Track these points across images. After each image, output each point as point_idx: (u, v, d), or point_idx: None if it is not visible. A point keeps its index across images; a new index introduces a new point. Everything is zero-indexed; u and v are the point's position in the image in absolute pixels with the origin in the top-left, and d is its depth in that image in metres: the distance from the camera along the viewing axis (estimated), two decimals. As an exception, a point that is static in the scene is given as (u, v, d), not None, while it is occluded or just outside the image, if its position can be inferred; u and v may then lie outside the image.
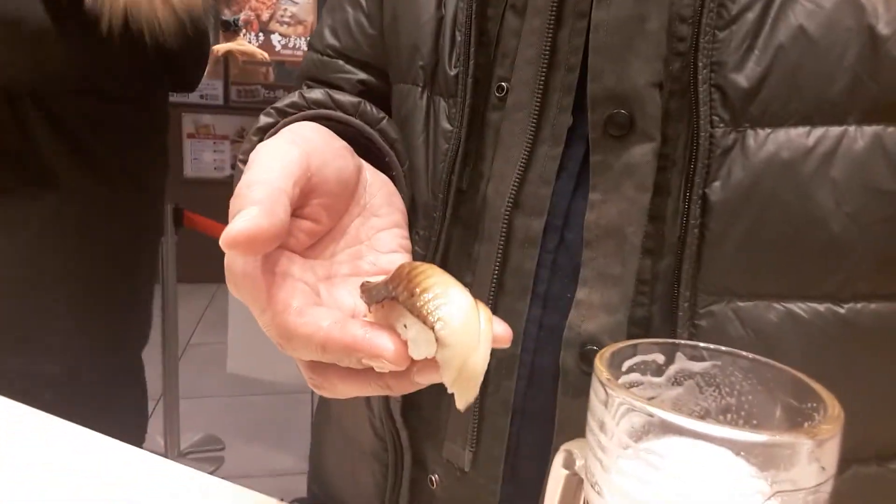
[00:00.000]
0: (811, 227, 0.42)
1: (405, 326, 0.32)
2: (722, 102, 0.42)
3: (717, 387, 0.35)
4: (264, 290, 0.35)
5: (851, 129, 0.42)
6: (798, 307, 0.44)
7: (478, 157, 0.51)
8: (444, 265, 0.52)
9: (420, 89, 0.53)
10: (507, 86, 0.49)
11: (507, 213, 0.49)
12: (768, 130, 0.42)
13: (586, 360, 0.46)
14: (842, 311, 0.44)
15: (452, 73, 0.50)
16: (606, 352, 0.32)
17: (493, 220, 0.50)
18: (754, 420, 0.35)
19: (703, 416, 0.36)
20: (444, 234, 0.51)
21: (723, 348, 0.34)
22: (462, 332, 0.30)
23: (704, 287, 0.44)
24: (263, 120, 0.50)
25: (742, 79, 0.42)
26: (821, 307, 0.44)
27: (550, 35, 0.47)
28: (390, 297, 0.33)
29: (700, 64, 0.42)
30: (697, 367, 0.35)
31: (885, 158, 0.42)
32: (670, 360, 0.35)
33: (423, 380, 0.34)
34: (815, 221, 0.42)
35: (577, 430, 0.32)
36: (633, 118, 0.44)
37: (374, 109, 0.51)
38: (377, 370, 0.34)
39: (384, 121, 0.52)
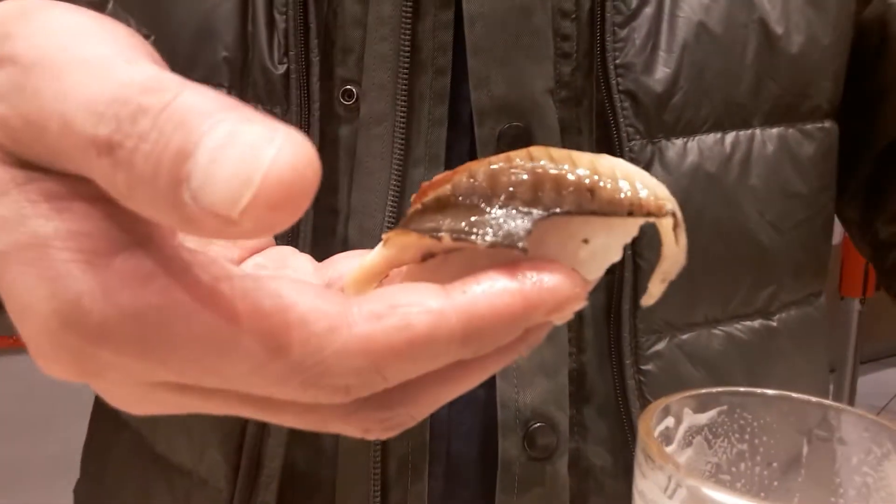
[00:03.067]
0: (742, 241, 0.40)
1: (584, 242, 0.20)
2: (634, 111, 0.38)
3: (725, 436, 0.31)
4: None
5: (758, 131, 0.40)
6: (736, 329, 0.41)
7: (326, 188, 0.40)
8: None
9: (224, 91, 0.35)
10: (356, 91, 0.39)
11: None
12: (684, 139, 0.39)
13: (534, 443, 0.40)
14: (773, 324, 0.42)
15: (279, 71, 0.38)
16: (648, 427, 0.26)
17: None
18: (774, 462, 0.31)
19: (715, 472, 0.32)
20: None
21: (734, 389, 0.30)
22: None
23: (645, 325, 0.40)
24: None
25: (653, 82, 0.39)
26: (755, 324, 0.42)
27: (409, 27, 0.38)
28: (549, 214, 0.19)
29: (609, 67, 0.38)
30: (704, 418, 0.31)
31: (791, 161, 0.41)
32: (679, 420, 0.31)
33: (544, 331, 0.21)
34: (744, 234, 0.40)
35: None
36: (530, 132, 0.39)
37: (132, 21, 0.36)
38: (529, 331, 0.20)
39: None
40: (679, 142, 0.39)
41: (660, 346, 0.40)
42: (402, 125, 0.38)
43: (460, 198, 0.19)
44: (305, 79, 0.38)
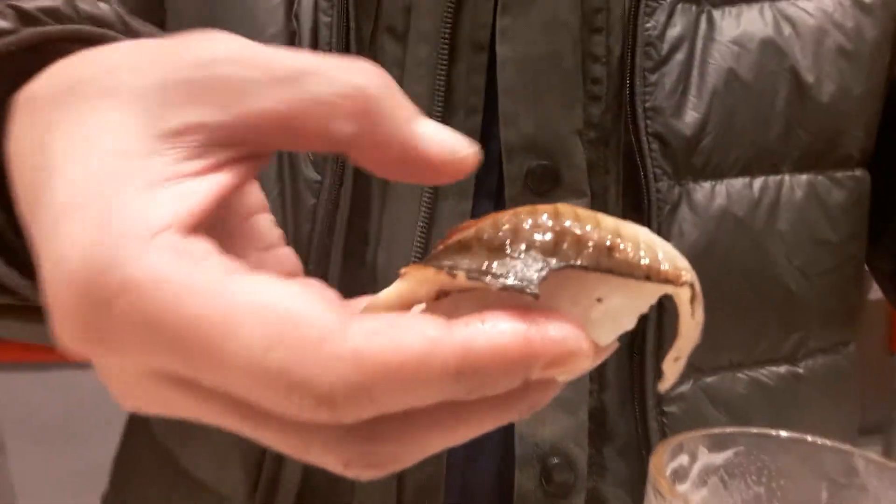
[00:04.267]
0: (769, 286, 0.40)
1: (598, 301, 0.20)
2: (662, 153, 0.39)
3: (742, 477, 0.31)
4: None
5: (787, 177, 0.41)
6: (761, 374, 0.41)
7: (359, 213, 0.40)
8: None
9: None
10: None
11: None
12: (712, 183, 0.40)
13: (551, 479, 0.40)
14: (800, 370, 0.42)
15: None
16: (660, 465, 0.26)
17: None
18: (792, 508, 0.31)
19: (730, 515, 0.31)
20: None
21: (751, 430, 0.30)
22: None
23: None
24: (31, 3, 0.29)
25: (682, 126, 0.39)
26: (781, 370, 0.41)
27: (444, 69, 0.39)
28: (566, 266, 0.19)
29: (638, 110, 0.39)
30: (720, 458, 0.31)
31: (821, 208, 0.41)
32: (694, 459, 0.30)
33: (548, 393, 0.21)
34: (772, 279, 0.40)
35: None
36: (558, 171, 0.39)
37: None
38: (531, 386, 0.19)
39: None
40: (707, 185, 0.40)
41: (684, 387, 0.40)
42: None
43: (483, 242, 0.19)
44: None
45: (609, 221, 0.20)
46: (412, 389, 0.17)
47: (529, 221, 0.19)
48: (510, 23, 0.39)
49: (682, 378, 0.40)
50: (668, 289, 0.20)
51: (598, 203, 0.40)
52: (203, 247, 0.18)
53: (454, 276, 0.19)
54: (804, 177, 0.41)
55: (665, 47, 0.39)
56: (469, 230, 0.20)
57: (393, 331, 0.17)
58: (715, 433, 0.30)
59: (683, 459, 0.30)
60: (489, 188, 0.41)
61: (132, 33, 0.29)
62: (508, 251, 0.19)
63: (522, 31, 0.39)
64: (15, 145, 0.21)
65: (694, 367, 0.40)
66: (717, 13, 0.40)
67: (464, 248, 0.20)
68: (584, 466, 0.40)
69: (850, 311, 0.45)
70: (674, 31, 0.40)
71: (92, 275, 0.17)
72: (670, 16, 0.40)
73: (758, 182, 0.40)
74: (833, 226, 0.41)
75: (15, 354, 1.34)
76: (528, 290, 0.18)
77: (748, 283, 0.40)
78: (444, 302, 0.20)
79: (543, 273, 0.18)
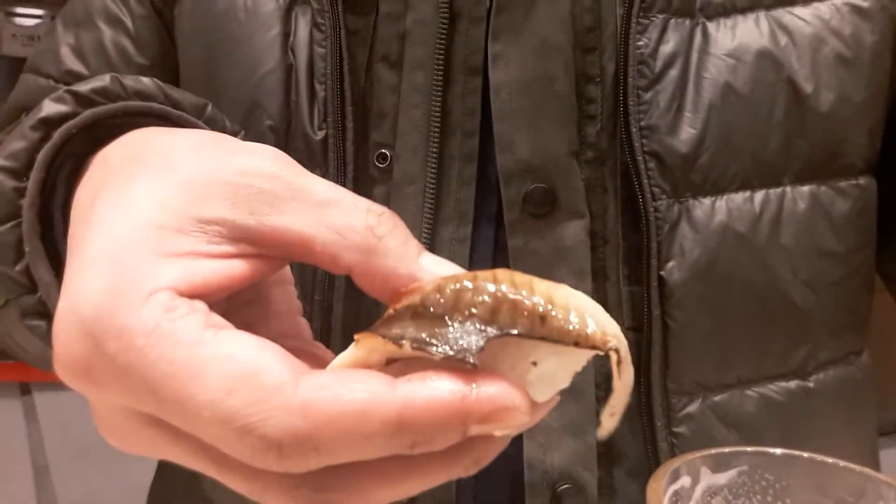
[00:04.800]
0: (774, 301, 0.40)
1: (533, 364, 0.22)
2: (660, 171, 0.39)
3: (746, 497, 0.31)
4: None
5: (789, 189, 0.40)
6: (771, 390, 0.40)
7: None
8: None
9: None
10: (389, 154, 0.41)
11: None
12: (711, 199, 0.39)
13: None
14: (810, 384, 0.41)
15: (318, 136, 0.40)
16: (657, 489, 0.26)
17: None
18: (799, 528, 0.30)
19: (737, 536, 0.31)
20: (330, 344, 0.40)
21: (755, 449, 0.30)
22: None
23: (676, 386, 0.39)
24: (53, 108, 0.31)
25: (679, 143, 0.39)
26: (791, 385, 0.41)
27: (439, 94, 0.40)
28: (502, 334, 0.20)
29: (633, 129, 0.38)
30: (723, 478, 0.30)
31: (825, 219, 0.40)
32: (696, 480, 0.30)
33: (492, 449, 0.22)
34: (777, 294, 0.40)
35: None
36: (555, 193, 0.39)
37: (227, 120, 0.36)
38: (474, 442, 0.21)
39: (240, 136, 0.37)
40: (707, 201, 0.39)
41: (692, 407, 0.39)
42: (431, 185, 0.40)
43: (428, 309, 0.21)
44: (341, 143, 0.40)
45: (542, 287, 0.21)
46: (355, 440, 0.19)
47: (469, 288, 0.21)
48: (502, 48, 0.39)
49: (690, 398, 0.39)
50: (597, 352, 0.21)
51: (598, 223, 0.40)
52: (190, 306, 0.20)
53: (400, 346, 0.20)
54: (806, 188, 0.40)
55: (658, 64, 0.39)
56: (416, 295, 0.21)
57: (340, 384, 0.19)
58: (717, 453, 0.30)
59: (685, 481, 0.29)
60: (489, 212, 0.41)
61: (172, 101, 0.33)
62: (451, 319, 0.21)
63: (514, 56, 0.39)
64: (77, 200, 0.25)
65: (702, 386, 0.40)
66: (711, 25, 0.40)
67: (412, 314, 0.21)
68: (594, 491, 0.39)
69: (861, 320, 0.44)
70: (667, 48, 0.39)
71: (98, 317, 0.19)
72: (663, 32, 0.39)
73: (759, 196, 0.40)
74: (838, 236, 0.41)
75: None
76: (467, 360, 0.20)
77: (753, 298, 0.39)
78: (393, 367, 0.22)
79: (481, 343, 0.20)
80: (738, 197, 0.40)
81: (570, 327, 0.21)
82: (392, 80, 0.40)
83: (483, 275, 0.21)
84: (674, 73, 0.39)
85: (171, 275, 0.20)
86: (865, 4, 0.41)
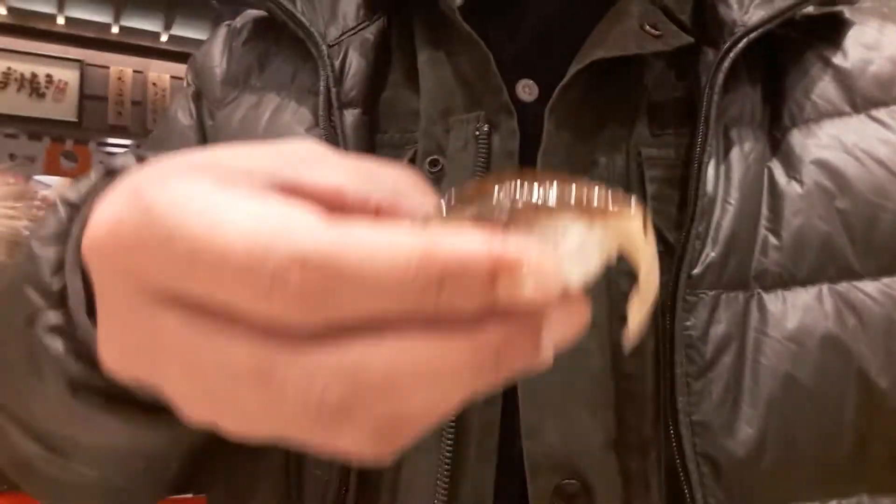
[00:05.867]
0: None
1: (564, 231, 0.21)
2: (714, 478, 0.33)
3: None
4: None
5: (866, 500, 0.34)
6: None
7: (370, 498, 0.37)
8: None
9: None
10: None
11: None
12: None
13: None
14: None
15: None
16: None
17: None
18: None
19: None
20: None
21: None
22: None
23: None
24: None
25: (736, 445, 0.33)
26: None
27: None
28: (529, 202, 0.20)
29: (683, 427, 0.33)
30: None
31: None
32: None
33: (566, 328, 0.20)
34: None
35: None
36: (589, 488, 0.34)
37: None
38: (501, 308, 0.18)
39: None
40: None
41: None
42: (446, 459, 0.35)
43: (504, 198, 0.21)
44: None
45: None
46: (378, 273, 0.17)
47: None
48: None
49: None
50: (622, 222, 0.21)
51: None
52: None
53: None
54: (886, 501, 0.35)
55: (709, 349, 0.34)
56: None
57: (370, 227, 0.18)
58: None
59: None
60: (509, 490, 0.36)
61: None
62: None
63: None
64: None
65: None
66: (768, 298, 0.35)
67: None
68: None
69: None
70: (718, 329, 0.34)
71: (150, 183, 0.20)
72: (713, 310, 0.35)
73: None
74: None
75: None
76: (497, 217, 0.20)
77: None
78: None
79: (508, 204, 0.20)
80: None
81: (596, 202, 0.20)
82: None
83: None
84: (727, 359, 0.34)
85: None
86: None
